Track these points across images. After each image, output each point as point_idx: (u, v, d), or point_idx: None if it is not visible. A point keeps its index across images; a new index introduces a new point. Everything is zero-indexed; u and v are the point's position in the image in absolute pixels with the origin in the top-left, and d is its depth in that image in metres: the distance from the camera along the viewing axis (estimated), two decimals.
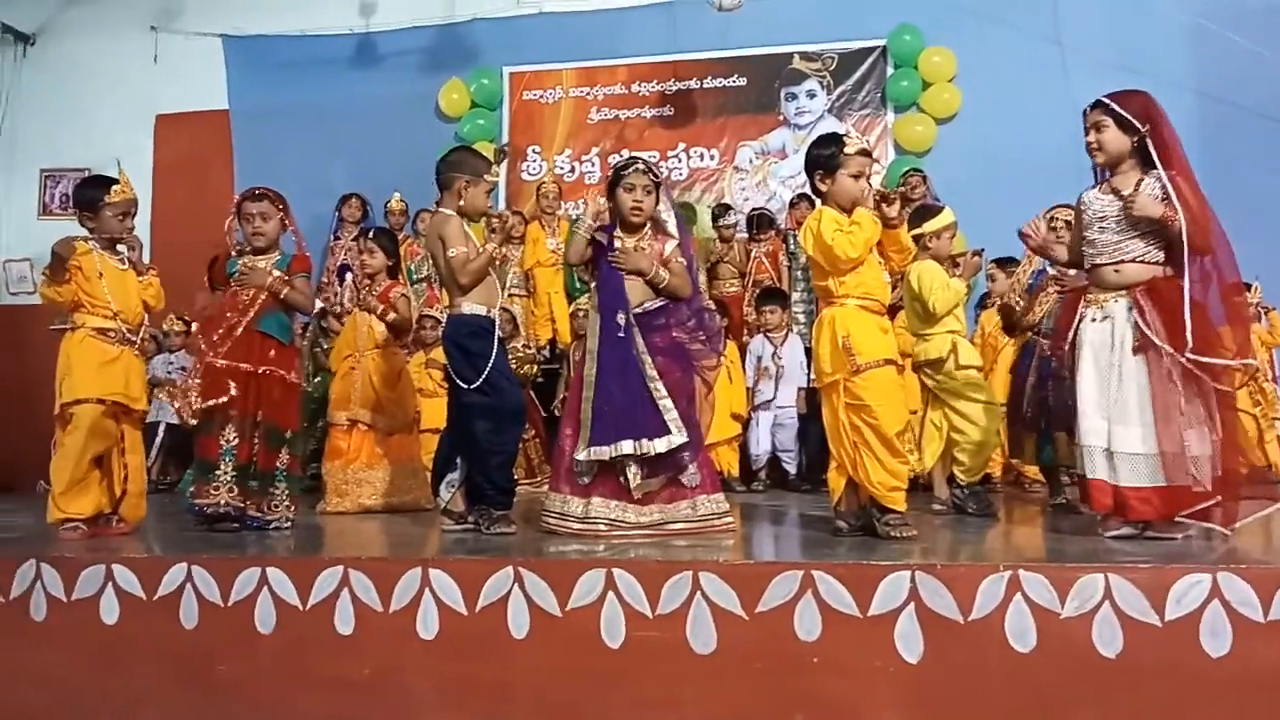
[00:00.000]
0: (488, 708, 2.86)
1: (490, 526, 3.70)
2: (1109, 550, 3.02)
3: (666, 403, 3.61)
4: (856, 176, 3.51)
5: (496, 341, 3.76)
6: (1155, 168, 3.25)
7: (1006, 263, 5.79)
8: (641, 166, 3.80)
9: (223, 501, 3.79)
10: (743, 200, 7.60)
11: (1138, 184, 3.27)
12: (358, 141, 8.02)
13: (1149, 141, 3.26)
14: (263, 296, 3.93)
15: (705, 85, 7.88)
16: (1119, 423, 3.24)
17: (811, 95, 7.72)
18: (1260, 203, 6.58)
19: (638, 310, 3.71)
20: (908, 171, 6.73)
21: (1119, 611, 2.57)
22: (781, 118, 7.77)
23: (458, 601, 2.90)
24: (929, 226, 4.33)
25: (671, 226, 3.84)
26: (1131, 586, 2.58)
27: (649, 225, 3.82)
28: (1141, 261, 3.27)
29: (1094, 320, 3.34)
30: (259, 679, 3.00)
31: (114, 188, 3.83)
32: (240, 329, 3.88)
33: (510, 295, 6.83)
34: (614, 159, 7.80)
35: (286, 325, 4.04)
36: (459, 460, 3.89)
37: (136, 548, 3.49)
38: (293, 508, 4.00)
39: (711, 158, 7.85)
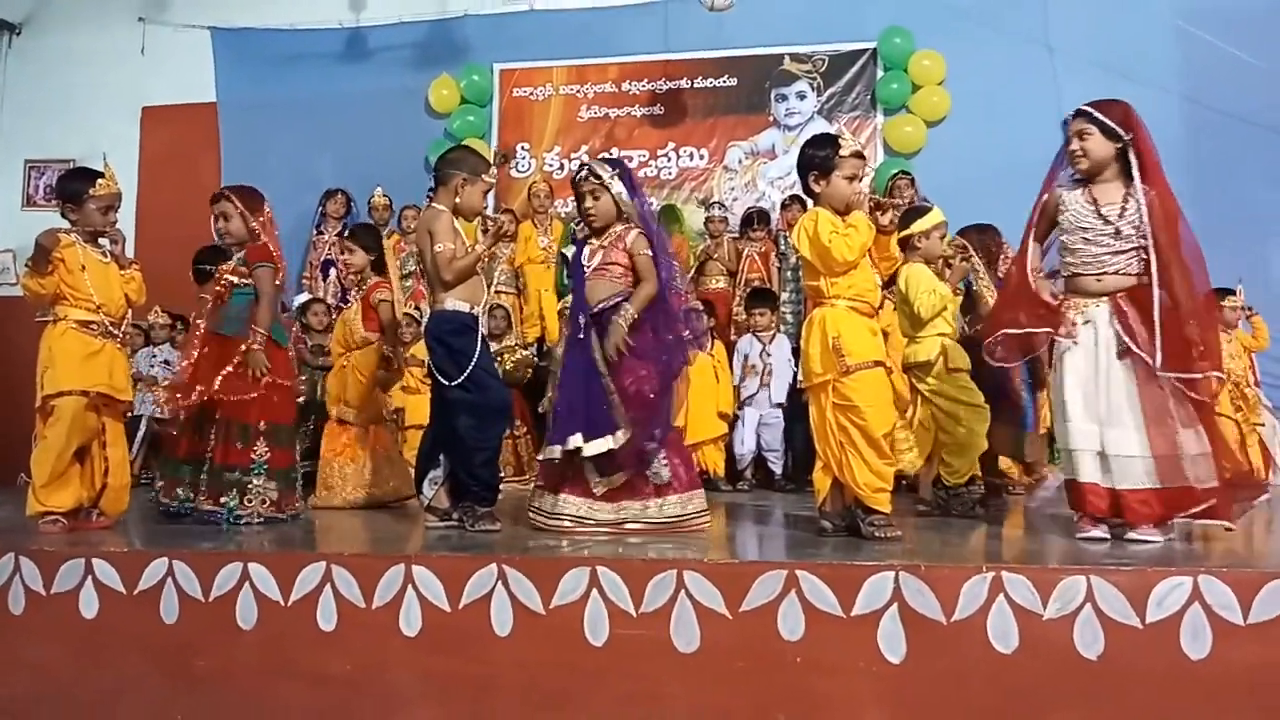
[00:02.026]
0: (470, 705, 2.85)
1: (474, 523, 3.69)
2: (1091, 553, 3.04)
3: (615, 400, 3.61)
4: (851, 179, 3.52)
5: (480, 338, 3.76)
6: (1133, 178, 3.29)
7: None
8: (584, 172, 3.81)
9: (180, 497, 3.92)
10: (731, 200, 7.60)
11: (1124, 198, 3.30)
12: (346, 136, 8.00)
13: (1130, 150, 3.31)
14: (219, 296, 4.02)
15: (695, 85, 7.88)
16: (1113, 426, 3.27)
17: (801, 96, 7.73)
18: (1245, 208, 6.64)
19: (596, 309, 3.71)
20: (896, 174, 6.74)
21: (1100, 614, 2.59)
22: (771, 118, 7.77)
23: (441, 598, 2.89)
24: (918, 226, 4.33)
25: (634, 215, 3.80)
26: (1113, 589, 2.60)
27: (617, 219, 3.81)
28: (1124, 273, 3.32)
29: (1089, 330, 3.36)
30: (240, 675, 2.98)
31: (99, 181, 3.81)
32: (201, 339, 4.01)
33: (498, 292, 6.82)
34: (603, 157, 7.81)
35: (245, 321, 3.99)
36: (442, 457, 3.87)
37: (117, 542, 3.47)
38: (266, 502, 3.93)
39: (701, 157, 7.85)
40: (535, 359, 6.63)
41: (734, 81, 7.83)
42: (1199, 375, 3.17)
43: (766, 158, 7.76)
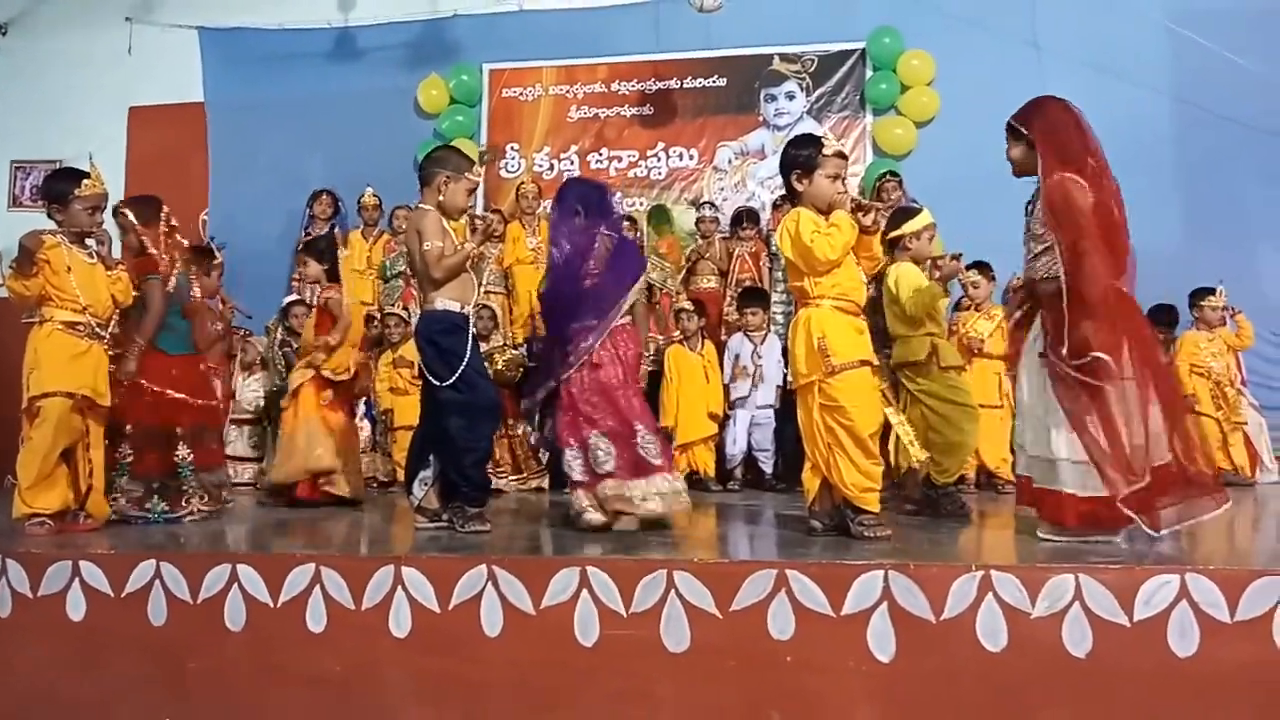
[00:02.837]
0: (460, 705, 2.85)
1: (464, 524, 3.68)
2: (1079, 551, 3.04)
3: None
4: (833, 178, 3.52)
5: (470, 338, 3.75)
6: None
7: (985, 267, 5.83)
8: None
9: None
10: (721, 200, 7.60)
11: (1036, 192, 3.30)
12: (335, 136, 7.97)
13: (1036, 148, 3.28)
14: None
15: (685, 85, 7.88)
16: (1027, 425, 3.37)
17: (791, 97, 7.74)
18: (1234, 205, 6.67)
19: None
20: (884, 175, 6.75)
21: (1089, 612, 2.60)
22: (761, 119, 7.78)
23: (430, 599, 2.88)
24: (908, 227, 4.34)
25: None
26: (1101, 587, 2.61)
27: None
28: (1049, 276, 3.25)
29: (1031, 331, 3.42)
30: (230, 676, 2.97)
31: (84, 182, 3.79)
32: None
33: (487, 292, 6.81)
34: (593, 158, 7.82)
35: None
36: (432, 458, 3.86)
37: (104, 544, 3.44)
38: (129, 502, 3.99)
39: (690, 158, 7.85)
40: (525, 359, 6.61)
41: (723, 82, 7.84)
42: (1086, 359, 3.09)
43: (756, 158, 7.76)
